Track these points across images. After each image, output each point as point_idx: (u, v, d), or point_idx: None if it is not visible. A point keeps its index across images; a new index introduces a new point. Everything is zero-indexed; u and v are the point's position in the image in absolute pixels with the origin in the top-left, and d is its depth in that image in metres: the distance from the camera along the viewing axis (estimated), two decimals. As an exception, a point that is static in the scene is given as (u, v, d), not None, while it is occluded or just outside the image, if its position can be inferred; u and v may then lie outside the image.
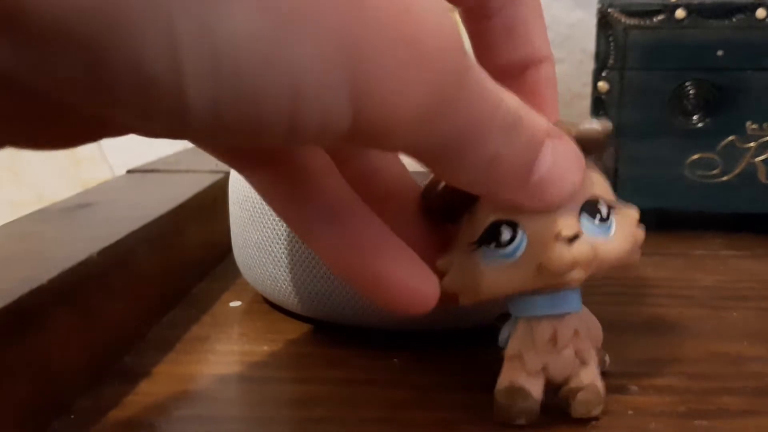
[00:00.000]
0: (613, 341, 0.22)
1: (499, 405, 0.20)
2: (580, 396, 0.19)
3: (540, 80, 0.20)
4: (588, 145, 0.19)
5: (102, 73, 0.10)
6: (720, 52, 0.35)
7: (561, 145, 0.17)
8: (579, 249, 0.18)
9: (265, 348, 0.25)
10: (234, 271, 0.30)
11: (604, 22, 0.36)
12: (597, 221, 0.19)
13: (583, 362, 0.20)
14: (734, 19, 0.35)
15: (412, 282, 0.18)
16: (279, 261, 0.26)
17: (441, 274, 0.19)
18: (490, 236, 0.19)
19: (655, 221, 0.38)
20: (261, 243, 0.26)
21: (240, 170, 0.19)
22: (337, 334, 0.25)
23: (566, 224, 0.18)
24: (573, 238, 0.18)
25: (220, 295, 0.30)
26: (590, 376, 0.20)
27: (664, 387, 0.22)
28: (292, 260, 0.25)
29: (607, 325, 0.21)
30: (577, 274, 0.18)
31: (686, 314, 0.27)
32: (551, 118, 0.19)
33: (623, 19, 0.36)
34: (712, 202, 0.37)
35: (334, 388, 0.22)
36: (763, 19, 0.35)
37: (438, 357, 0.24)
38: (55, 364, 0.21)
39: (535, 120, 0.17)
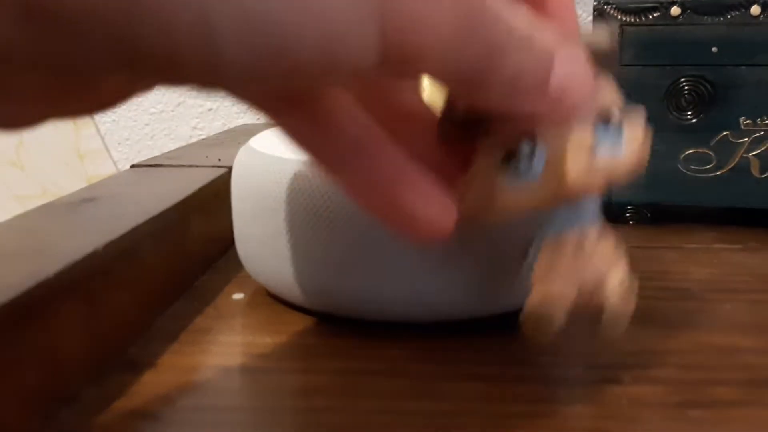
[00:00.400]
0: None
1: (534, 317, 0.20)
2: (615, 298, 0.20)
3: None
4: (594, 55, 0.19)
5: (132, 46, 0.11)
6: (714, 49, 0.36)
7: (571, 53, 0.18)
8: (599, 159, 0.19)
9: (268, 339, 0.25)
10: (236, 264, 0.30)
11: (600, 19, 0.37)
12: (611, 129, 0.19)
13: (611, 264, 0.20)
14: (729, 16, 0.36)
15: (429, 211, 0.19)
16: (280, 254, 0.26)
17: (462, 195, 0.20)
18: (511, 154, 0.19)
19: (649, 215, 0.39)
20: (263, 236, 0.26)
21: (268, 115, 0.20)
22: (338, 326, 0.26)
23: (585, 135, 0.19)
24: (592, 148, 0.19)
25: (223, 288, 0.30)
26: (619, 276, 0.20)
27: (657, 378, 0.22)
28: (294, 253, 0.26)
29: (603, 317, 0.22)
30: (598, 183, 0.19)
31: (679, 306, 0.28)
32: (569, 23, 0.19)
33: (619, 16, 0.36)
34: (705, 196, 0.38)
35: (335, 379, 0.23)
36: (758, 16, 0.35)
37: (437, 348, 0.24)
38: (61, 355, 0.21)
39: (545, 32, 0.17)
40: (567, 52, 0.18)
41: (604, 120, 0.19)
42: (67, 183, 0.66)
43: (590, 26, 0.20)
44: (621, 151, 0.20)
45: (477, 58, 0.15)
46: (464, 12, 0.14)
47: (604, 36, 0.20)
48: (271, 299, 0.29)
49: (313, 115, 0.19)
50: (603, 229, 0.20)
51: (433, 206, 0.19)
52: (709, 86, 0.36)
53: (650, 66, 0.37)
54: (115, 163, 0.67)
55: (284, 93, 0.18)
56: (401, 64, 0.14)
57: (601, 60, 0.20)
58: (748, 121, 0.36)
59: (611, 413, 0.20)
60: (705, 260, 0.33)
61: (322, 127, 0.19)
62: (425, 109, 0.22)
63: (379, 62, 0.14)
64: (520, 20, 0.16)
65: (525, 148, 0.19)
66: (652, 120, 0.38)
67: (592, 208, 0.20)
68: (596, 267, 0.20)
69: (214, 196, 0.34)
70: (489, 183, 0.20)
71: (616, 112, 0.20)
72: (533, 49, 0.17)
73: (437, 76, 0.16)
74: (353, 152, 0.19)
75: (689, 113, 0.37)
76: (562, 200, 0.19)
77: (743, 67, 0.36)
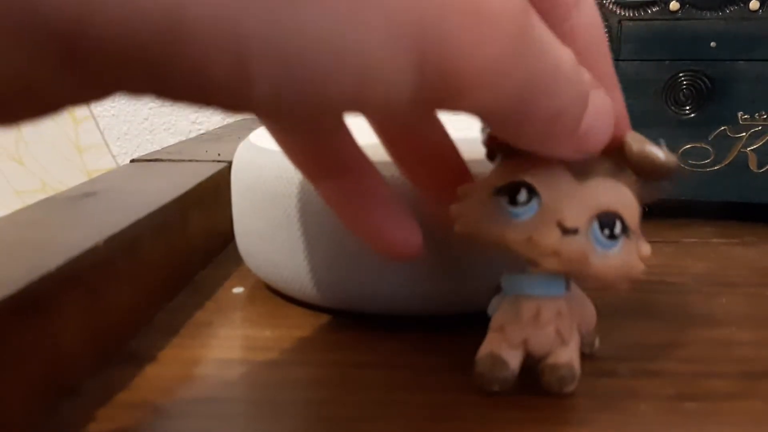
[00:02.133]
0: (605, 325, 0.23)
1: (478, 372, 0.20)
2: (555, 372, 0.20)
3: (577, 27, 0.19)
4: (642, 169, 0.19)
5: (167, 81, 0.11)
6: (713, 44, 0.36)
7: (600, 95, 0.18)
8: (569, 244, 0.18)
9: (267, 332, 0.26)
10: (236, 258, 0.30)
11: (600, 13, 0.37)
12: (605, 234, 0.19)
13: (564, 341, 0.20)
14: (727, 11, 0.36)
15: (397, 234, 0.21)
16: (280, 248, 0.26)
17: (456, 213, 0.20)
18: (508, 191, 0.19)
19: (647, 209, 0.39)
20: (262, 231, 0.27)
21: (268, 126, 0.21)
22: (335, 319, 0.26)
23: (572, 216, 0.18)
24: (569, 231, 0.18)
25: (222, 282, 0.30)
26: (568, 355, 0.20)
27: (654, 370, 0.22)
28: (293, 247, 0.26)
29: (600, 310, 0.22)
30: (552, 264, 0.19)
31: (677, 300, 0.28)
32: (600, 68, 0.19)
33: (618, 10, 0.36)
34: (703, 190, 0.38)
35: (333, 371, 0.23)
36: (756, 11, 0.35)
37: (435, 341, 0.24)
38: (63, 348, 0.21)
39: (584, 72, 0.17)
40: (598, 94, 0.18)
41: (602, 224, 0.19)
42: (67, 177, 0.67)
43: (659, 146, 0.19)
44: (601, 258, 0.19)
45: (520, 91, 0.15)
46: (510, 41, 0.14)
47: (661, 155, 0.19)
48: (270, 293, 0.29)
49: (309, 133, 0.20)
50: (566, 305, 0.20)
51: (402, 230, 0.21)
52: (707, 81, 0.36)
53: (649, 61, 0.37)
54: (114, 157, 0.67)
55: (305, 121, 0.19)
56: (440, 98, 0.14)
57: (648, 177, 0.19)
58: (746, 116, 0.36)
59: (607, 405, 0.20)
60: (702, 254, 0.34)
61: (317, 142, 0.20)
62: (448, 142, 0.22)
63: (414, 98, 0.13)
64: (567, 55, 0.16)
65: (523, 192, 0.19)
66: (650, 115, 0.38)
67: (558, 283, 0.20)
68: (546, 341, 0.20)
69: (214, 191, 0.34)
70: (482, 204, 0.20)
71: (618, 226, 0.19)
72: (574, 87, 0.16)
73: (477, 111, 0.15)
74: (339, 170, 0.21)
75: (687, 108, 0.37)
76: (526, 256, 0.19)
77: (741, 62, 0.36)
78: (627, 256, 0.19)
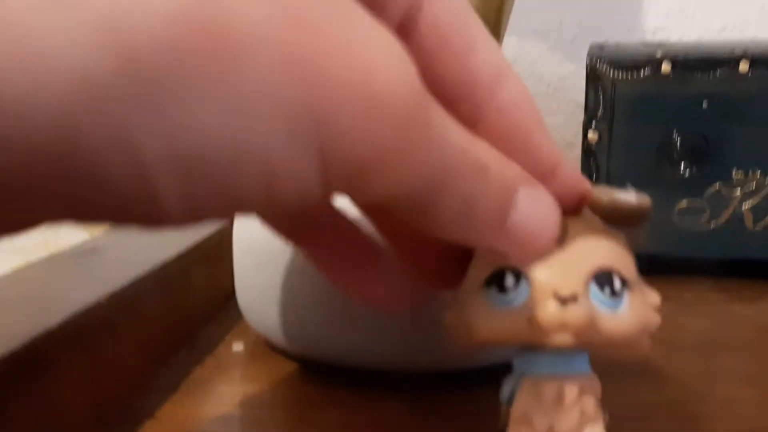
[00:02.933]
0: (605, 384, 0.23)
1: None
2: None
3: (504, 106, 0.18)
4: (618, 217, 0.19)
5: (82, 200, 0.11)
6: (704, 104, 0.37)
7: (535, 193, 0.17)
8: (573, 312, 0.17)
9: (266, 390, 0.26)
10: (237, 314, 0.30)
11: (593, 76, 0.38)
12: (607, 293, 0.18)
13: (588, 421, 0.19)
14: (718, 73, 0.37)
15: (385, 288, 0.21)
16: (280, 306, 0.26)
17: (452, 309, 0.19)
18: (494, 281, 0.18)
19: (645, 266, 0.39)
20: (263, 287, 0.27)
21: None
22: (335, 376, 0.26)
23: (566, 284, 0.18)
24: (568, 299, 0.17)
25: (223, 339, 0.30)
26: None
27: (654, 428, 0.22)
28: (293, 305, 0.26)
29: (600, 369, 0.22)
30: (564, 338, 0.17)
31: (676, 357, 0.28)
32: (536, 142, 0.18)
33: (611, 73, 0.38)
34: (700, 247, 0.38)
35: (331, 428, 0.23)
36: (746, 73, 0.36)
37: (433, 398, 0.24)
38: (64, 405, 0.21)
39: (507, 166, 0.17)
40: (533, 191, 0.17)
41: (600, 283, 0.18)
42: (66, 233, 0.67)
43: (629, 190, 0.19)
44: (612, 319, 0.18)
45: (423, 182, 0.15)
46: (407, 127, 0.14)
47: (632, 200, 0.19)
48: (269, 350, 0.29)
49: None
50: (588, 382, 0.19)
51: (389, 284, 0.21)
52: (700, 140, 0.37)
53: (642, 121, 0.38)
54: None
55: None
56: (349, 186, 0.14)
57: (623, 225, 0.19)
58: (739, 174, 0.37)
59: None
60: (701, 311, 0.34)
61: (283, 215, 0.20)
62: None
63: (326, 190, 0.13)
64: (477, 144, 0.16)
65: (509, 276, 0.18)
66: (645, 174, 0.39)
67: (580, 359, 0.19)
68: (572, 424, 0.18)
69: (216, 248, 0.34)
70: (471, 300, 0.19)
71: (617, 281, 0.18)
72: (490, 178, 0.16)
73: (384, 201, 0.15)
74: (316, 234, 0.21)
75: (681, 166, 0.38)
76: (532, 340, 0.18)
77: (733, 122, 0.37)
78: (638, 311, 0.18)
